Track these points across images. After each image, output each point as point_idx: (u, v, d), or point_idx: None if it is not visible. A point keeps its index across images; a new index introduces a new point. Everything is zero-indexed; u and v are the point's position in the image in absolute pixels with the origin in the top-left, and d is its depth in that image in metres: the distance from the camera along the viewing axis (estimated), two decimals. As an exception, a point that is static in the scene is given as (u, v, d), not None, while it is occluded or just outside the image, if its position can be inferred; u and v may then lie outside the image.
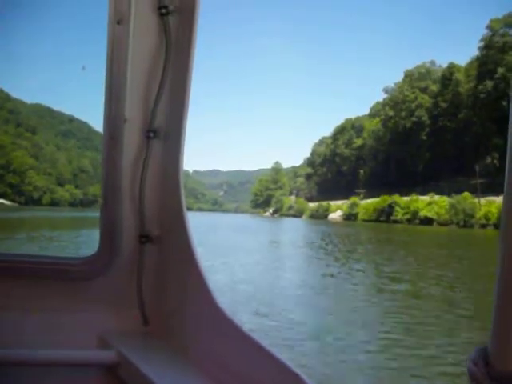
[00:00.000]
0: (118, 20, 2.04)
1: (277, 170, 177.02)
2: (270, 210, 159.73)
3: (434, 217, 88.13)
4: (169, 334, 2.16)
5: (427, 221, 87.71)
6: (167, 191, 2.18)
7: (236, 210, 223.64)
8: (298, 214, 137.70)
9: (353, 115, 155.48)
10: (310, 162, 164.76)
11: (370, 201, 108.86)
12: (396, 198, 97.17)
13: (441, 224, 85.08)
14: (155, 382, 1.80)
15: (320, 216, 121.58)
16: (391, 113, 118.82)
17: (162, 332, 2.20)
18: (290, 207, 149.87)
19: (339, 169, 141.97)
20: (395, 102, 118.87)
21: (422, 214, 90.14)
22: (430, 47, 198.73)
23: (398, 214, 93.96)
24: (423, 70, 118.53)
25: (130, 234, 2.24)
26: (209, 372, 1.85)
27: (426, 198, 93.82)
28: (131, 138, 2.16)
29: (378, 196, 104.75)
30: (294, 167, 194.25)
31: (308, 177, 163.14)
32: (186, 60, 2.02)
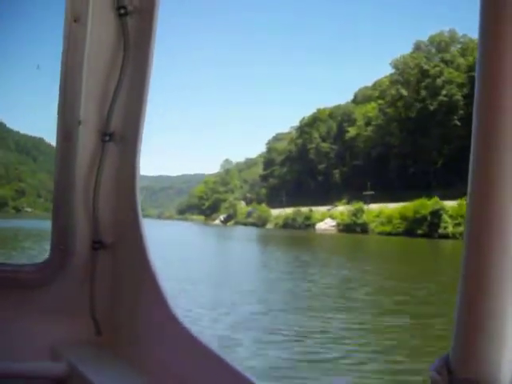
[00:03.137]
0: (75, 18, 1.98)
1: (227, 170, 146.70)
2: (221, 217, 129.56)
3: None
4: (122, 344, 2.07)
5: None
6: (122, 196, 2.11)
7: (159, 216, 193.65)
8: (260, 223, 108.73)
9: (324, 104, 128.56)
10: (267, 161, 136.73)
11: (378, 206, 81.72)
12: (438, 202, 69.52)
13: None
14: None
15: (299, 226, 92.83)
16: (404, 92, 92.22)
17: (115, 342, 2.10)
18: (249, 214, 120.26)
19: (312, 168, 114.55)
20: (406, 80, 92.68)
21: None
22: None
23: (448, 226, 66.18)
24: (447, 39, 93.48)
25: (82, 240, 2.14)
26: (163, 383, 1.78)
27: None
28: (86, 140, 2.09)
29: (380, 201, 78.22)
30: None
31: (263, 178, 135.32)
32: (145, 61, 1.98)
